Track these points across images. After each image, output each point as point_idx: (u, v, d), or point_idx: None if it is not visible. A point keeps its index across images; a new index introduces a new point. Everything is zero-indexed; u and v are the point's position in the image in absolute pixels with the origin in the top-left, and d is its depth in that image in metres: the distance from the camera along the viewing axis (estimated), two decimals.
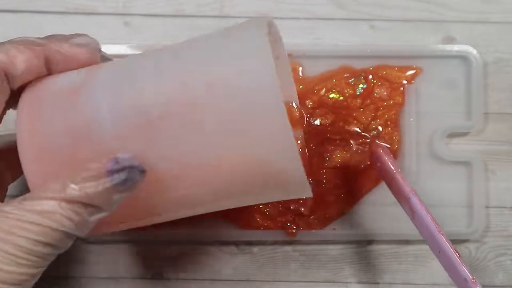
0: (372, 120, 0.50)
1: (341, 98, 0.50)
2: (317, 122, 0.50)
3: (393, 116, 0.50)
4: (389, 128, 0.50)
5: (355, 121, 0.50)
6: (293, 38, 0.51)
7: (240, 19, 0.51)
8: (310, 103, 0.50)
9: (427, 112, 0.51)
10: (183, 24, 0.51)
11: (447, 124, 0.51)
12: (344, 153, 0.50)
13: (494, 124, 0.51)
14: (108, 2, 0.51)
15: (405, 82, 0.51)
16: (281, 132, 0.31)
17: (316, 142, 0.50)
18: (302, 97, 0.50)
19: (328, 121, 0.50)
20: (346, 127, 0.50)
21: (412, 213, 0.41)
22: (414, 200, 0.40)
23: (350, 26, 0.52)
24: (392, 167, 0.43)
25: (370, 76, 0.51)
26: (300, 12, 0.52)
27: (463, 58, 0.51)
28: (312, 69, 0.51)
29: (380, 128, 0.50)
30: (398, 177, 0.42)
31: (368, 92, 0.50)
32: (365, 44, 0.51)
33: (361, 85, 0.51)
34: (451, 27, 0.52)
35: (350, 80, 0.50)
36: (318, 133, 0.50)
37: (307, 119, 0.50)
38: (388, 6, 0.52)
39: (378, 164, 0.44)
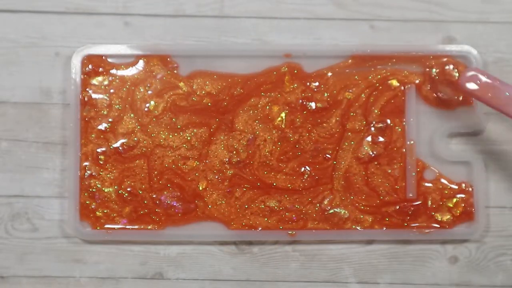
0: (381, 110, 0.50)
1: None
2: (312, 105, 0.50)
3: (398, 105, 0.50)
4: (392, 117, 0.50)
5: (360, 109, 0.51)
6: (293, 38, 0.51)
7: (240, 19, 0.51)
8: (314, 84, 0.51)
9: (427, 112, 0.51)
10: (183, 24, 0.51)
11: (447, 124, 0.51)
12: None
13: (494, 124, 0.51)
14: (108, 2, 0.51)
15: (405, 82, 0.51)
16: None
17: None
18: (304, 79, 0.50)
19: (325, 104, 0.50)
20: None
21: None
22: None
23: (350, 26, 0.52)
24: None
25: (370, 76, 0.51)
26: (300, 12, 0.52)
27: (463, 58, 0.51)
28: (312, 69, 0.51)
29: (388, 121, 0.50)
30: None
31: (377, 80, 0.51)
32: (365, 44, 0.51)
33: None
34: (451, 27, 0.52)
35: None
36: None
37: (303, 102, 0.50)
38: (388, 6, 0.52)
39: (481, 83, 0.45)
